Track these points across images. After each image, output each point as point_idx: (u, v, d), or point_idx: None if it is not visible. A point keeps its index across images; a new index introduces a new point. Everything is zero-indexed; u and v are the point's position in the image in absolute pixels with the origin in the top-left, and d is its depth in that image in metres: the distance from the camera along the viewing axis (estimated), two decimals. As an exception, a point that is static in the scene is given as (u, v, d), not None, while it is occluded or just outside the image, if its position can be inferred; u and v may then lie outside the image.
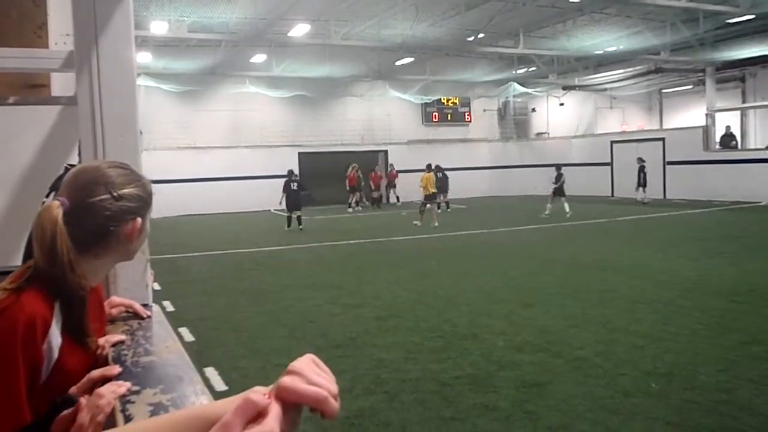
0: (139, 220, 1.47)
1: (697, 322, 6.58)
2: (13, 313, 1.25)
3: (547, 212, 18.56)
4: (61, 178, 2.17)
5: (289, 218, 17.53)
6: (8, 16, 3.10)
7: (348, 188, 24.62)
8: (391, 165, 27.35)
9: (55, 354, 1.32)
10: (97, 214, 1.41)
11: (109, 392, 1.24)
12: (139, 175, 1.53)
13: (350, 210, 23.98)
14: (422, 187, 17.61)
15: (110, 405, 1.22)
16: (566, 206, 18.31)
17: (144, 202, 1.49)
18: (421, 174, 18.20)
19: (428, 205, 17.48)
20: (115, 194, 1.42)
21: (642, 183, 22.06)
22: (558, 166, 19.56)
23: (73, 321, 1.36)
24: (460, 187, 25.99)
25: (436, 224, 16.65)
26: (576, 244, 13.03)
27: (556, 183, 18.99)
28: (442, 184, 21.65)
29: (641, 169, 21.96)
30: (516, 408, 4.51)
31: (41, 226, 1.33)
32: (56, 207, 1.35)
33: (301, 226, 17.32)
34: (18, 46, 2.91)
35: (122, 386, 1.26)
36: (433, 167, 18.94)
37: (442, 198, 21.52)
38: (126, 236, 1.46)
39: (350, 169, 24.53)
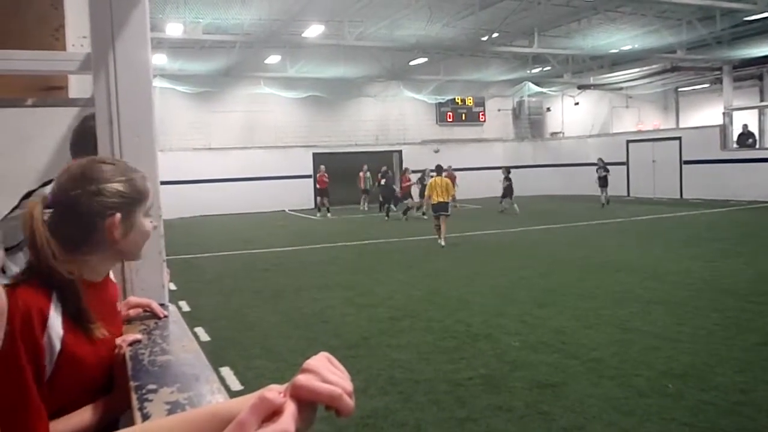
0: (118, 215, 1.45)
1: (713, 323, 6.53)
2: (8, 308, 1.26)
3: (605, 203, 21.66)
4: None
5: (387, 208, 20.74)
6: (26, 19, 3.14)
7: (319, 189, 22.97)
8: (406, 168, 24.99)
9: (58, 345, 1.32)
10: (78, 208, 1.41)
11: (120, 340, 1.32)
12: (131, 171, 1.51)
13: (318, 215, 22.50)
14: (428, 195, 13.82)
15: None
16: (605, 197, 21.83)
17: (125, 198, 1.47)
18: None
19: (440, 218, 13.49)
20: (93, 188, 1.42)
21: (506, 194, 21.62)
22: (600, 160, 22.40)
23: (71, 309, 1.36)
24: (474, 187, 25.93)
25: (442, 243, 13.18)
26: (590, 244, 12.95)
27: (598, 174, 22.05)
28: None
29: (506, 180, 21.77)
30: (530, 409, 4.49)
31: (24, 219, 1.35)
32: (38, 201, 1.37)
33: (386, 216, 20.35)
34: (36, 48, 2.95)
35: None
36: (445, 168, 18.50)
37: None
38: (107, 233, 1.45)
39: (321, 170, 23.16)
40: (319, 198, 22.96)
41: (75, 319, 1.36)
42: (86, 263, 1.45)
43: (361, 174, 24.33)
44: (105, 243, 1.46)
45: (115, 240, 1.47)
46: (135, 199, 1.50)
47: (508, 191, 21.13)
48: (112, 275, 1.68)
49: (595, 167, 22.51)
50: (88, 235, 1.44)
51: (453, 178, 22.31)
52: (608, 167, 22.21)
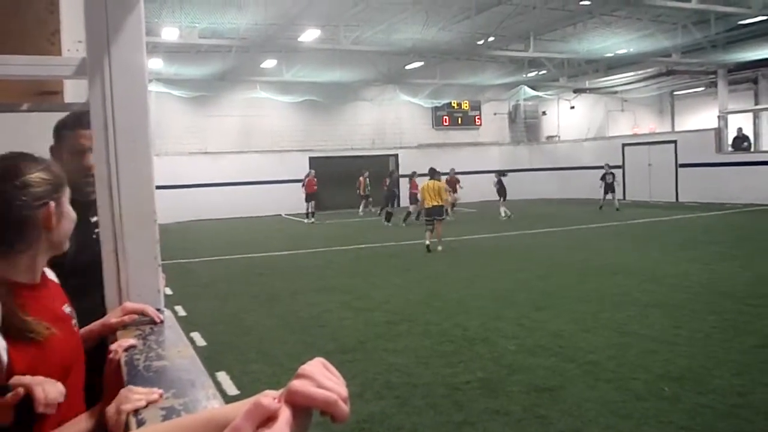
0: (52, 204, 1.43)
1: (710, 326, 6.53)
2: None
3: (601, 207, 21.04)
4: None
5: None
6: (22, 23, 3.13)
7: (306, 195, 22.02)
8: (413, 172, 22.92)
9: (5, 357, 1.27)
10: (7, 206, 1.38)
11: (143, 392, 1.22)
12: (44, 160, 1.50)
13: (306, 221, 21.43)
14: (421, 199, 13.80)
15: (140, 402, 1.20)
16: (616, 202, 21.22)
17: (52, 184, 1.45)
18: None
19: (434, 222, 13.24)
20: (17, 183, 1.39)
21: (502, 195, 20.14)
22: (606, 165, 21.85)
23: (8, 317, 1.30)
24: (470, 190, 25.93)
25: (437, 248, 12.96)
26: (587, 247, 12.97)
27: (605, 180, 21.26)
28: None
29: (500, 183, 20.26)
30: (527, 412, 4.49)
31: None
32: None
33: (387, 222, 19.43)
34: (32, 53, 2.94)
35: (155, 393, 1.23)
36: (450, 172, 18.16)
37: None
38: (44, 224, 1.43)
39: (308, 174, 22.21)
40: (307, 204, 21.98)
41: (10, 329, 1.31)
42: (18, 264, 1.42)
43: (361, 179, 24.17)
44: (40, 236, 1.44)
45: (51, 230, 1.44)
46: (59, 184, 1.48)
47: (501, 193, 20.36)
48: (52, 276, 1.63)
49: (601, 172, 21.71)
50: (23, 231, 1.40)
51: (456, 182, 22.13)
52: (613, 172, 21.50)
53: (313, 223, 21.02)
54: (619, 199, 21.94)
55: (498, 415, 4.46)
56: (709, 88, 25.34)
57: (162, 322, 1.77)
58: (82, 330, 1.66)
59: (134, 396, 1.21)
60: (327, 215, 23.45)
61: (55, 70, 2.73)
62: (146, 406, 1.19)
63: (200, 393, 1.23)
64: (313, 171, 22.57)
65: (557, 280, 9.44)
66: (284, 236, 17.74)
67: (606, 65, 25.17)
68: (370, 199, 24.26)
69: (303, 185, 22.24)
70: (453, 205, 20.31)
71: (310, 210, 21.77)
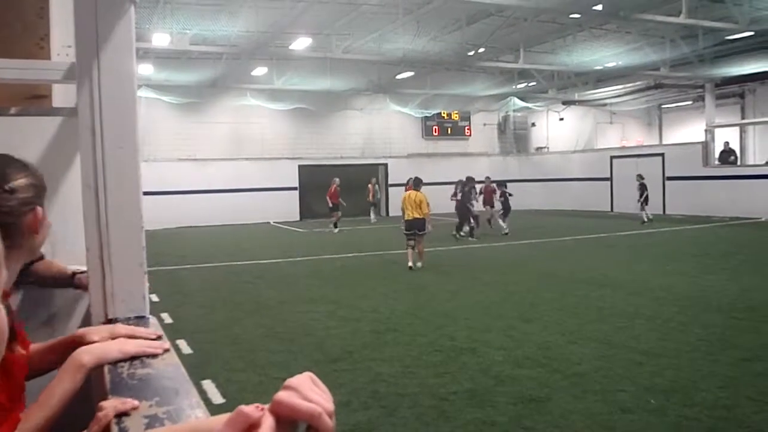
0: (39, 209, 1.41)
1: (696, 339, 6.56)
2: None
3: (646, 220, 20.40)
4: None
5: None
6: (11, 27, 3.11)
7: (331, 205, 21.24)
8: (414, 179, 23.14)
9: None
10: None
11: (111, 407, 1.17)
12: (27, 164, 1.47)
13: (334, 230, 20.67)
14: (403, 210, 12.58)
15: (107, 418, 1.16)
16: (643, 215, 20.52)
17: (38, 189, 1.44)
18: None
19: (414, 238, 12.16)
20: (7, 188, 1.37)
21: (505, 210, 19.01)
22: (640, 176, 20.95)
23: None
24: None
25: (416, 263, 12.07)
26: (575, 259, 13.01)
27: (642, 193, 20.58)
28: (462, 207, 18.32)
29: (503, 194, 19.25)
30: (514, 423, 4.48)
31: None
32: None
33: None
34: (20, 56, 2.92)
35: (126, 403, 1.18)
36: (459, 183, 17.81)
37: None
38: (29, 229, 1.40)
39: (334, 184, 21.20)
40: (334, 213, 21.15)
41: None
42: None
43: (369, 186, 24.30)
44: (23, 242, 1.40)
45: (36, 236, 1.41)
46: (43, 189, 1.47)
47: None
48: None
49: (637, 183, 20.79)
50: (12, 237, 1.35)
51: (492, 192, 20.03)
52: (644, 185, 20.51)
53: (335, 231, 20.28)
54: (614, 212, 21.78)
55: (485, 426, 4.45)
56: (696, 102, 25.62)
57: (164, 351, 1.57)
58: (37, 346, 1.55)
59: (100, 414, 1.17)
60: (316, 223, 23.42)
61: (44, 74, 2.71)
62: (116, 417, 1.17)
63: (184, 401, 1.21)
64: (337, 179, 21.35)
65: (544, 291, 9.45)
66: (272, 244, 17.69)
67: (595, 78, 25.37)
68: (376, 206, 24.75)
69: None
70: (489, 220, 19.51)
71: (332, 217, 21.09)
